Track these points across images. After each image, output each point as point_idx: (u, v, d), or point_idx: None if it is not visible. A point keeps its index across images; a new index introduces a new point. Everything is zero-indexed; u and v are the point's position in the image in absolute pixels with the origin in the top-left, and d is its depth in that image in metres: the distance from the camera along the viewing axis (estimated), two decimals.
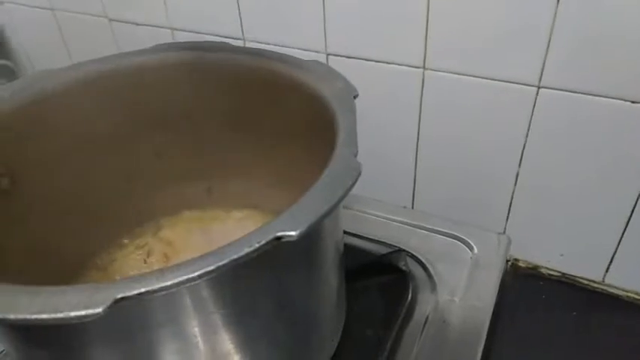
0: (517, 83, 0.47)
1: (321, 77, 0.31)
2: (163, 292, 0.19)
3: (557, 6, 0.41)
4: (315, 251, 0.27)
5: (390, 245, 0.44)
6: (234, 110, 0.35)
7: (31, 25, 0.75)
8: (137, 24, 0.65)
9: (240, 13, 0.57)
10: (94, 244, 0.37)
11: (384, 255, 0.41)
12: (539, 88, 0.46)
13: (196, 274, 0.19)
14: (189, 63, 0.34)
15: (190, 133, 0.36)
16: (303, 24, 0.54)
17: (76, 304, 0.18)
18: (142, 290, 0.19)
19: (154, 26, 0.64)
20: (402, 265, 0.40)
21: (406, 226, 0.47)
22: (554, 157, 0.49)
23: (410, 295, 0.40)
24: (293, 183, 0.35)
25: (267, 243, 0.21)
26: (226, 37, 0.60)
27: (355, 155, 0.25)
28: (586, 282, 0.55)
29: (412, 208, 0.59)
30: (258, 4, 0.55)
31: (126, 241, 0.39)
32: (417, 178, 0.58)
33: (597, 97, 0.44)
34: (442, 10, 0.46)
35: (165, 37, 0.63)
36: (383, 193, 0.59)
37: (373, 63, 0.53)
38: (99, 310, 0.18)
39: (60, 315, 0.18)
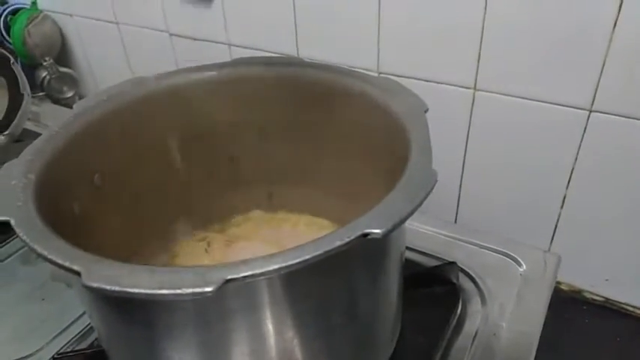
0: (568, 106, 0.48)
1: (391, 92, 0.33)
2: (265, 277, 0.21)
3: (613, 30, 0.42)
4: (386, 255, 0.29)
5: (439, 258, 0.45)
6: (304, 122, 0.37)
7: (95, 36, 0.80)
8: (195, 39, 0.69)
9: (296, 31, 0.60)
10: (169, 236, 0.40)
11: (435, 267, 0.42)
12: (590, 112, 0.47)
13: (296, 261, 0.21)
14: (267, 77, 0.37)
15: (259, 142, 0.39)
16: (357, 43, 0.56)
17: (191, 282, 0.20)
18: (249, 273, 0.21)
19: (212, 42, 0.68)
20: (453, 277, 0.41)
21: (454, 240, 0.48)
22: (603, 182, 0.49)
23: (460, 307, 0.41)
24: (354, 194, 0.37)
25: (355, 238, 0.22)
26: (281, 54, 0.63)
27: (430, 163, 0.27)
28: (631, 309, 0.55)
29: (455, 222, 0.60)
30: (314, 22, 0.58)
31: (195, 233, 0.42)
32: (461, 193, 0.59)
33: None
34: (496, 32, 0.48)
35: (223, 52, 0.67)
36: (427, 207, 0.60)
37: (424, 82, 0.54)
38: (211, 289, 0.20)
39: (178, 291, 0.20)
